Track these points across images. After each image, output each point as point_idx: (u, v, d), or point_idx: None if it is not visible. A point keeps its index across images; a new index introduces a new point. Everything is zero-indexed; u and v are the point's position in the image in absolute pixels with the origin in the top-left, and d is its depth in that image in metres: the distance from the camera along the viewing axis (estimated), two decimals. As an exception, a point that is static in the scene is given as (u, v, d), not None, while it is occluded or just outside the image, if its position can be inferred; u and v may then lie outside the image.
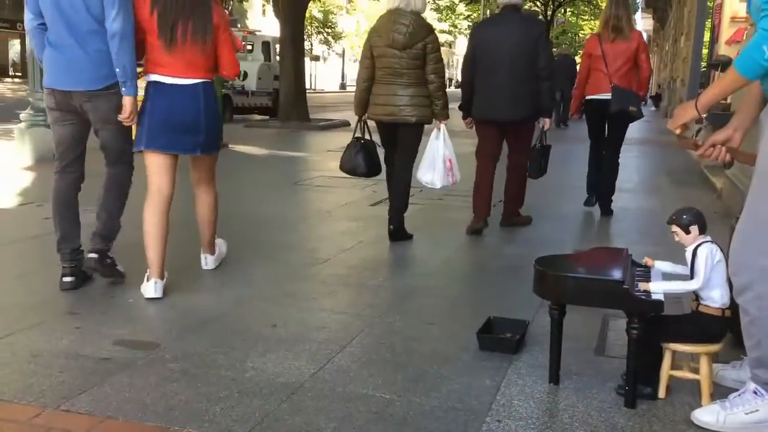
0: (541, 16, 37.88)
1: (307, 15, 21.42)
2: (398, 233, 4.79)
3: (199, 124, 3.54)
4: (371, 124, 4.88)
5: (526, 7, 38.98)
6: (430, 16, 51.27)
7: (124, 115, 3.46)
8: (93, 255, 3.61)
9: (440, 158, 4.74)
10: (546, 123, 5.27)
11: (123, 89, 3.42)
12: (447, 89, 4.83)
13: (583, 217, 6.06)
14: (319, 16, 46.69)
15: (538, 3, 43.47)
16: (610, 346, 3.00)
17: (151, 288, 3.47)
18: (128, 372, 2.60)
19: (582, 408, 2.44)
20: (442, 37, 56.42)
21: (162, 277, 3.54)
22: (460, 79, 5.78)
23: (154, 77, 3.53)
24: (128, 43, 3.39)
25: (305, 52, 18.94)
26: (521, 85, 4.91)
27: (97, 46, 3.39)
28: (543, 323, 2.98)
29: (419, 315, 3.36)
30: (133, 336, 2.97)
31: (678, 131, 2.46)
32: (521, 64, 4.90)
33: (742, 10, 10.10)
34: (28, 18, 3.48)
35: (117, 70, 3.39)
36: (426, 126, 4.77)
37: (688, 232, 2.46)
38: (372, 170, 4.90)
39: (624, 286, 2.36)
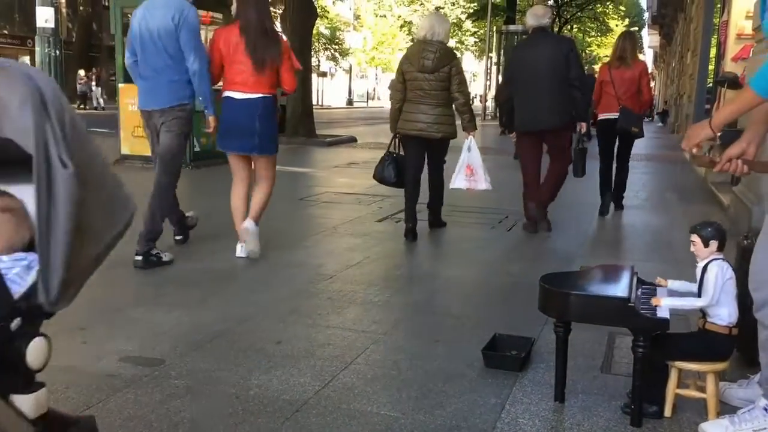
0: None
1: (314, 31, 21.56)
2: (436, 222, 5.79)
3: (254, 130, 4.45)
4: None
5: (533, 23, 39.16)
6: (436, 32, 51.50)
7: (209, 129, 4.62)
8: (138, 258, 4.30)
9: (463, 165, 5.56)
10: (582, 126, 5.88)
11: (206, 111, 4.52)
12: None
13: (591, 233, 6.05)
14: (327, 32, 46.98)
15: (544, 20, 43.56)
16: (616, 364, 2.99)
17: (238, 249, 4.60)
18: (133, 388, 2.61)
19: (587, 426, 2.43)
20: (449, 54, 56.54)
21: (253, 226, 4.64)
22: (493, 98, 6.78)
23: (227, 93, 4.51)
24: (206, 77, 4.41)
25: (312, 68, 19.06)
26: (557, 96, 5.48)
27: (170, 77, 4.42)
28: (549, 340, 2.98)
29: (424, 332, 3.35)
30: (138, 352, 2.97)
31: (694, 151, 2.47)
32: (556, 78, 5.47)
33: (748, 27, 10.10)
34: (127, 56, 4.58)
35: (200, 98, 4.46)
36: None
37: (707, 245, 2.44)
38: (400, 181, 5.54)
39: (630, 304, 2.35)
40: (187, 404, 2.49)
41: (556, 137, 5.73)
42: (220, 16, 10.68)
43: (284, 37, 5.07)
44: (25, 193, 1.40)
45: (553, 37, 5.91)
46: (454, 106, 5.37)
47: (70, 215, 1.25)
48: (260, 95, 4.44)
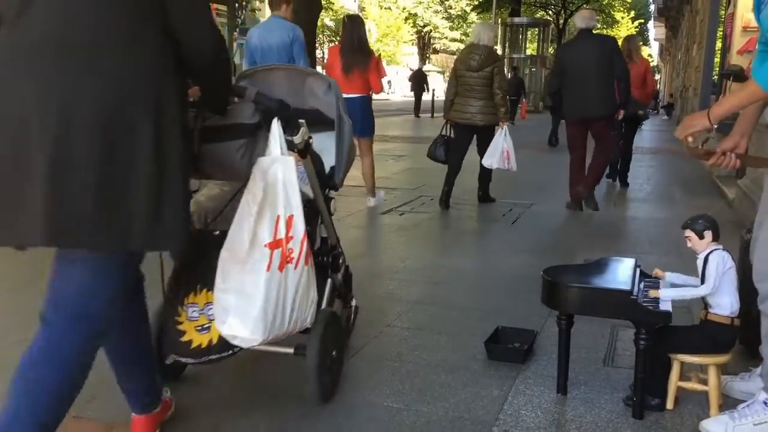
0: (553, 25, 37.89)
1: (319, 24, 21.48)
2: (485, 197, 6.85)
3: (356, 120, 5.00)
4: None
5: (538, 16, 39.04)
6: (441, 24, 51.39)
7: None
8: None
9: (499, 148, 6.51)
10: (620, 113, 6.59)
11: None
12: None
13: (594, 226, 6.05)
14: (331, 24, 46.89)
15: (550, 12, 43.45)
16: (618, 357, 3.00)
17: (370, 200, 6.45)
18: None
19: (590, 419, 2.44)
20: (454, 46, 56.45)
21: (374, 195, 6.48)
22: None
23: None
24: None
25: (317, 60, 19.02)
26: (602, 89, 6.28)
27: None
28: (551, 333, 2.99)
29: (428, 324, 3.36)
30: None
31: (689, 139, 2.44)
32: (601, 73, 6.26)
33: (754, 19, 10.06)
34: (245, 66, 5.58)
35: None
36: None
37: (701, 237, 2.45)
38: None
39: (632, 296, 2.36)
40: (192, 393, 2.50)
41: (601, 125, 6.46)
42: (224, 8, 10.68)
43: (375, 53, 6.38)
44: (324, 137, 2.63)
45: (598, 37, 6.66)
46: (494, 99, 6.42)
47: (350, 141, 2.68)
48: (359, 95, 6.01)
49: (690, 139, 2.42)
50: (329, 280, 2.71)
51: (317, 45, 21.94)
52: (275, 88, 2.57)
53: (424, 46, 54.32)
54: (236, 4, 23.51)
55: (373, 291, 3.88)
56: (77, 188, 1.67)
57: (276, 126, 2.11)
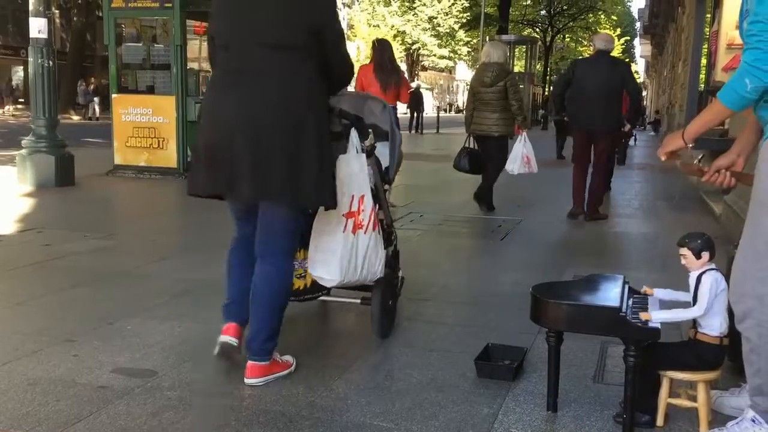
0: (540, 43, 38.20)
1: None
2: (482, 198, 7.35)
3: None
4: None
5: (525, 33, 39.37)
6: (429, 42, 51.69)
7: None
8: None
9: (519, 154, 7.19)
10: (627, 126, 7.51)
11: None
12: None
13: (583, 242, 6.07)
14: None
15: (537, 30, 43.84)
16: (608, 374, 3.00)
17: None
18: (125, 400, 2.60)
19: (580, 436, 2.43)
20: (442, 63, 56.75)
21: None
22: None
23: None
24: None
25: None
26: (608, 107, 6.87)
27: None
28: (541, 350, 2.98)
29: (418, 341, 3.35)
30: (130, 363, 2.97)
31: (663, 158, 2.48)
32: (610, 92, 6.85)
33: (738, 37, 10.18)
34: None
35: None
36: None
37: (698, 257, 2.44)
38: (473, 170, 7.30)
39: (621, 314, 2.36)
40: (181, 416, 2.48)
41: (604, 140, 7.03)
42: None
43: (402, 70, 7.56)
44: (380, 146, 3.28)
45: (612, 60, 7.28)
46: (511, 110, 7.12)
47: (399, 149, 3.46)
48: (390, 106, 7.38)
49: (678, 162, 2.46)
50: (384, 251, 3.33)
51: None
52: (348, 107, 3.17)
53: (413, 63, 54.60)
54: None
55: (362, 308, 3.87)
56: (269, 164, 2.61)
57: (353, 134, 3.02)
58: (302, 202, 2.74)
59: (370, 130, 3.14)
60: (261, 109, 2.63)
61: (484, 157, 7.30)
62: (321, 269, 3.01)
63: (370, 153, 3.14)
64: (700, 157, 2.57)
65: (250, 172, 2.60)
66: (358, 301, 3.39)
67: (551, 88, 8.27)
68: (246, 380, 2.76)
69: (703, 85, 11.91)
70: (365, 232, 3.04)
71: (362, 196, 3.01)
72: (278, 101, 2.64)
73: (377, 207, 3.23)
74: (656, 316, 2.41)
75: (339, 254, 2.96)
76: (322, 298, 3.49)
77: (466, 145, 7.37)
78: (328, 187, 2.77)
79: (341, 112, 2.99)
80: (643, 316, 2.41)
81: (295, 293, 3.18)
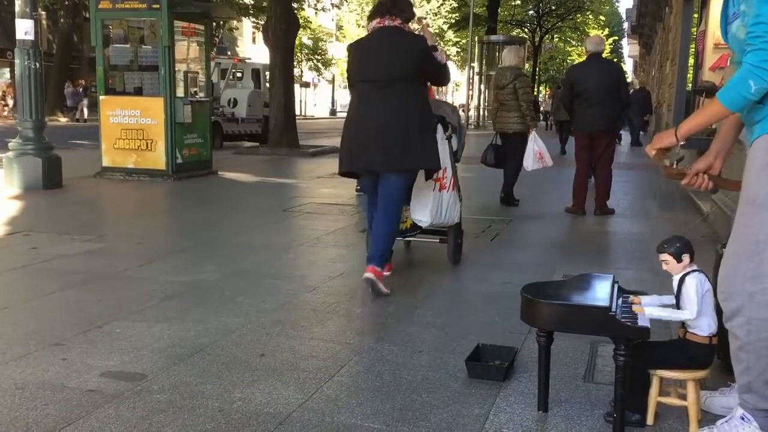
0: (529, 43, 38.29)
1: (297, 42, 21.52)
2: (508, 199, 7.94)
3: None
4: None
5: (514, 33, 39.46)
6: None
7: None
8: None
9: (531, 151, 7.61)
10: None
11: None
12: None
13: (574, 242, 6.09)
14: (309, 43, 46.98)
15: (525, 30, 43.95)
16: (598, 373, 3.00)
17: None
18: (115, 404, 2.58)
19: (571, 436, 2.43)
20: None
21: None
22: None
23: None
24: None
25: (295, 78, 19.05)
26: (606, 107, 7.29)
27: None
28: (532, 350, 2.99)
29: (408, 343, 3.35)
30: (120, 367, 2.95)
31: (666, 162, 2.47)
32: (607, 94, 7.27)
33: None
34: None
35: None
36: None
37: (679, 261, 2.45)
38: (498, 164, 7.97)
39: (610, 313, 2.37)
40: (171, 419, 2.47)
41: (604, 138, 7.44)
42: (202, 27, 10.67)
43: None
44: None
45: (606, 62, 7.84)
46: (520, 110, 7.74)
47: (464, 139, 5.04)
48: None
49: (666, 162, 2.45)
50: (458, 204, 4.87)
51: (295, 63, 21.99)
52: (433, 110, 4.50)
53: (402, 63, 54.47)
54: (214, 24, 23.55)
55: (352, 310, 3.87)
56: (393, 146, 4.09)
57: (439, 128, 4.57)
58: (420, 165, 4.30)
59: (450, 125, 4.68)
60: (390, 115, 4.10)
61: (505, 154, 7.90)
62: (419, 214, 4.61)
63: (449, 140, 4.70)
64: (678, 159, 2.56)
65: (381, 152, 4.10)
66: (437, 240, 4.98)
67: (559, 97, 9.14)
68: (365, 275, 4.07)
69: (690, 85, 11.95)
70: (447, 192, 4.68)
71: (445, 168, 4.59)
72: (397, 109, 4.11)
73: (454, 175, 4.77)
74: (649, 311, 2.43)
75: (430, 205, 4.56)
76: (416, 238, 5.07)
77: (493, 141, 8.04)
78: (436, 158, 4.31)
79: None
80: (636, 308, 2.42)
81: (400, 233, 4.66)
